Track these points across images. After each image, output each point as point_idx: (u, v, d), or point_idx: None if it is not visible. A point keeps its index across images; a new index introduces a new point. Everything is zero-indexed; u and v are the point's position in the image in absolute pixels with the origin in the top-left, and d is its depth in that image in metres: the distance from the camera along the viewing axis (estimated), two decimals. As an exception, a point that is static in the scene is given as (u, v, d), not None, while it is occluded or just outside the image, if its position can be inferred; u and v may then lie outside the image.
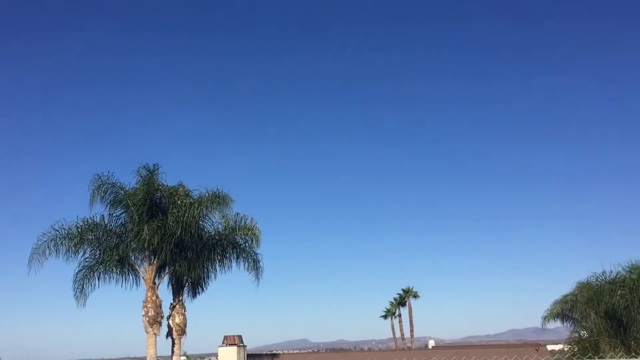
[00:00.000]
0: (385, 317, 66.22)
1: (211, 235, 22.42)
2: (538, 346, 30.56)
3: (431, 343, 65.82)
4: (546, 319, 24.50)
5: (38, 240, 20.18)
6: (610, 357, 16.58)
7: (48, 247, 20.10)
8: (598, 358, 7.87)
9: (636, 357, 16.29)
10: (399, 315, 65.14)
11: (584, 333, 22.58)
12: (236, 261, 22.66)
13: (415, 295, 64.58)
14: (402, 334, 64.09)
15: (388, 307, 65.80)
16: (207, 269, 22.37)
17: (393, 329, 65.23)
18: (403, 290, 65.10)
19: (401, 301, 65.02)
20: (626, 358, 14.90)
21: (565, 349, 24.42)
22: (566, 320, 24.24)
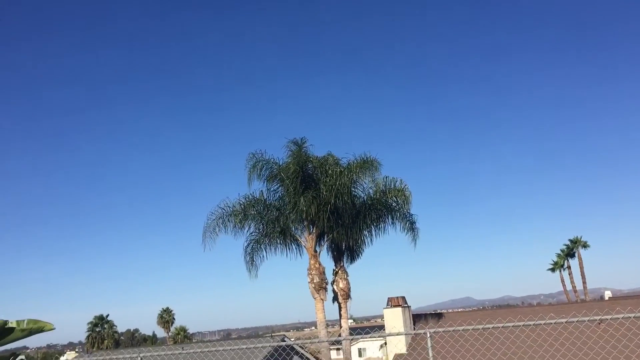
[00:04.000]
0: (552, 269, 62.92)
1: (363, 201, 22.66)
2: None
3: (607, 294, 61.35)
4: None
5: (208, 219, 21.76)
6: None
7: (217, 224, 21.60)
8: None
9: None
10: (568, 267, 61.55)
11: None
12: (392, 224, 22.71)
13: (585, 245, 60.52)
14: (574, 286, 60.56)
15: (555, 259, 62.45)
16: (364, 234, 22.72)
17: (563, 281, 61.87)
18: (570, 240, 61.29)
19: (569, 252, 61.31)
20: None
21: None
22: None
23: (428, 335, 6.05)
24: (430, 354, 6.15)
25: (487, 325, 6.17)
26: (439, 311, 30.88)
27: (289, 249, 22.44)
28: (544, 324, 6.42)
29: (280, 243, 22.14)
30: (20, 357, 7.54)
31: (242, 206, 21.76)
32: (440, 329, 6.25)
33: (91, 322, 70.49)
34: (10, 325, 7.52)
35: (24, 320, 7.66)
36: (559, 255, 62.07)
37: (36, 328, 7.65)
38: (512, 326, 6.06)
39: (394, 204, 22.71)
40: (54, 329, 7.89)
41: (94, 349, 63.17)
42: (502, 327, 5.95)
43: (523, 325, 5.91)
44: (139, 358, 7.02)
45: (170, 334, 76.82)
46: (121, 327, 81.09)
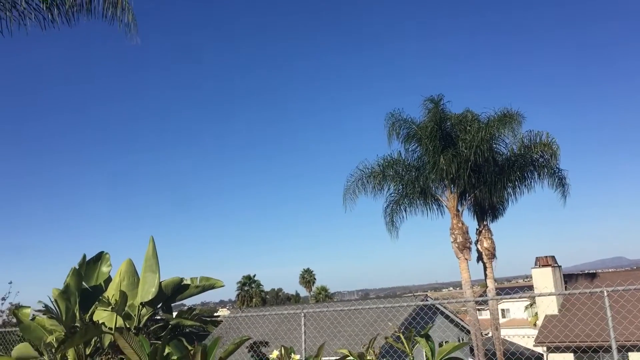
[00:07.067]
0: None
1: (506, 157, 21.77)
2: None
3: None
4: None
5: (347, 181, 22.10)
6: None
7: (357, 186, 21.86)
8: None
9: None
10: None
11: None
12: (538, 180, 21.62)
13: None
14: None
15: None
16: (507, 191, 21.88)
17: None
18: None
19: None
20: None
21: None
22: None
23: (605, 294, 5.67)
24: (609, 314, 5.77)
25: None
26: (586, 271, 29.07)
27: (430, 209, 22.17)
28: None
29: (421, 203, 21.94)
30: (195, 311, 8.14)
31: (381, 167, 21.79)
32: (619, 288, 5.83)
33: (240, 282, 75.27)
34: (185, 282, 8.16)
35: (197, 278, 8.28)
36: None
37: (208, 285, 8.24)
38: None
39: (540, 159, 21.60)
40: (223, 285, 8.42)
41: (244, 307, 67.60)
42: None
43: None
44: (303, 314, 7.36)
45: (311, 293, 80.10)
46: (266, 287, 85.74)
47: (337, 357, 4.10)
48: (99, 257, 7.89)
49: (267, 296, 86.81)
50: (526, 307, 53.27)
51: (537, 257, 24.17)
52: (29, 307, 7.53)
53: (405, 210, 22.03)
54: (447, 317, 30.70)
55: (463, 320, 31.65)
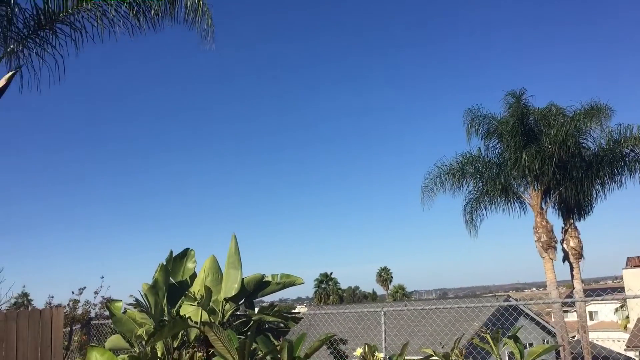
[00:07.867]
0: None
1: (594, 152, 20.78)
2: None
3: None
4: None
5: (425, 179, 21.83)
6: None
7: (435, 184, 21.56)
8: None
9: None
10: None
11: None
12: (629, 176, 20.47)
13: None
14: None
15: None
16: (595, 188, 20.89)
17: None
18: None
19: None
20: None
21: None
22: None
23: None
24: None
25: None
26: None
27: (511, 207, 21.56)
28: None
29: (502, 201, 21.36)
30: (276, 307, 8.27)
31: (460, 164, 21.40)
32: None
33: (317, 279, 76.07)
34: (266, 279, 8.32)
35: (277, 275, 8.42)
36: None
37: (288, 282, 8.36)
38: None
39: (631, 154, 20.45)
40: (303, 283, 8.52)
41: (321, 304, 68.17)
42: None
43: None
44: (383, 312, 7.34)
45: (388, 291, 79.70)
46: (343, 285, 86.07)
47: (420, 357, 4.04)
48: (185, 254, 8.16)
49: (344, 294, 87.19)
50: (616, 310, 50.69)
51: (628, 258, 22.94)
52: (121, 300, 7.89)
53: (485, 208, 21.60)
54: (531, 318, 29.70)
55: (548, 323, 30.53)
